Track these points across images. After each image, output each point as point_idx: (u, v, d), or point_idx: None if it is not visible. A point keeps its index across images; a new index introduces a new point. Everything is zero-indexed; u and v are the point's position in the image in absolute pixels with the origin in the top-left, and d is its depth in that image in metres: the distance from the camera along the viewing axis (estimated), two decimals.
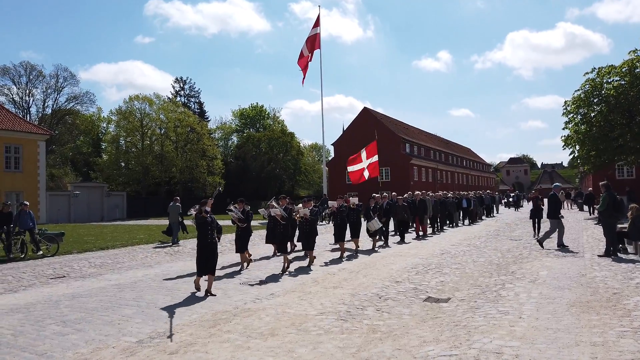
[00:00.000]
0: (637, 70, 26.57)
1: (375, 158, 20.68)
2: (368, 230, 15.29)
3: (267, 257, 13.83)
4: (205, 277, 8.96)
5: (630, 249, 11.96)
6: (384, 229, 16.17)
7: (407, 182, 44.02)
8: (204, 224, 8.92)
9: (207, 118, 60.24)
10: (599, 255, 11.51)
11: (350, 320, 6.86)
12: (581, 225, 21.64)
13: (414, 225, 19.63)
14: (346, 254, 13.70)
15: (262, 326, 6.68)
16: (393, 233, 18.60)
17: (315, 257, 12.42)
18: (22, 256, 14.21)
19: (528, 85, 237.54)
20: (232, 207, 11.54)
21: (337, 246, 14.37)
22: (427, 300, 8.03)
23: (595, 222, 22.24)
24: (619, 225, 13.43)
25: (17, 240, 14.39)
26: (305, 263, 12.31)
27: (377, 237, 15.61)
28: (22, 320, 7.23)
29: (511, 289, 8.23)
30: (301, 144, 65.85)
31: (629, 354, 4.57)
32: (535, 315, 6.28)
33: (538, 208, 17.65)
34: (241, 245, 11.90)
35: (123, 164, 47.73)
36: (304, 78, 23.32)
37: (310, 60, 23.34)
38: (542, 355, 4.71)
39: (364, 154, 20.63)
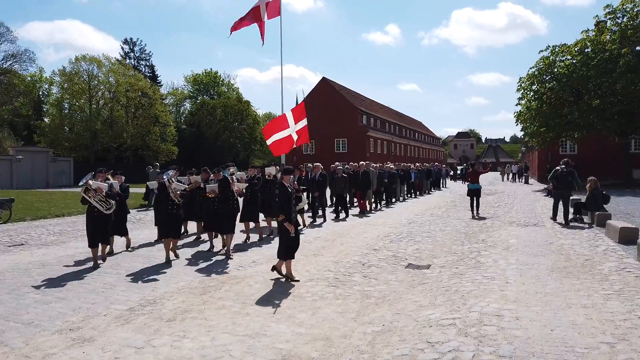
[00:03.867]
0: (587, 50, 27.78)
1: (304, 122, 17.05)
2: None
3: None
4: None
5: (586, 219, 12.72)
6: (317, 204, 14.49)
7: (363, 153, 44.45)
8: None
9: (159, 83, 57.81)
10: (560, 224, 12.25)
11: (340, 287, 6.93)
12: (532, 197, 22.73)
13: (356, 200, 17.59)
14: (255, 237, 11.23)
15: (255, 293, 6.63)
16: (333, 209, 16.36)
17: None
18: None
19: (472, 63, 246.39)
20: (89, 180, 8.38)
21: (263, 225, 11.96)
22: (409, 267, 8.22)
23: (545, 194, 23.43)
24: (574, 197, 14.32)
25: None
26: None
27: (304, 213, 13.25)
28: None
29: (488, 256, 8.56)
30: (257, 113, 64.77)
31: (619, 315, 4.89)
32: (521, 280, 6.58)
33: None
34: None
35: (68, 129, 45.13)
36: (232, 30, 19.18)
37: (259, 24, 19.91)
38: (540, 317, 4.96)
39: (290, 118, 17.08)
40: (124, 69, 45.43)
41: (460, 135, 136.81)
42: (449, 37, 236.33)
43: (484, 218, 14.46)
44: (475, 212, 15.40)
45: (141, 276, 7.61)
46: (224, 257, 9.08)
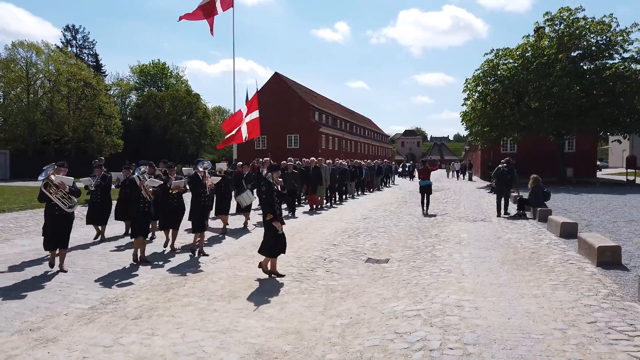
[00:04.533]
0: (528, 54, 29.31)
1: (256, 114, 16.41)
2: (239, 206, 12.43)
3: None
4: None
5: (528, 214, 13.50)
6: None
7: (315, 150, 44.72)
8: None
9: (104, 72, 55.33)
10: (512, 216, 13.36)
11: (305, 282, 7.05)
12: (477, 194, 23.75)
13: (306, 196, 17.20)
14: (207, 236, 10.42)
15: (219, 289, 6.62)
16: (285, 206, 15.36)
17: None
18: None
19: (417, 63, 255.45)
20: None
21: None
22: (369, 262, 8.48)
23: (488, 191, 24.52)
24: (515, 194, 15.23)
25: None
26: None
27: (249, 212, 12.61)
28: None
29: (442, 250, 8.95)
30: (207, 107, 63.41)
31: (567, 303, 5.31)
32: (476, 272, 6.96)
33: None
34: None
35: (3, 119, 42.35)
36: (183, 17, 18.59)
37: (210, 19, 19.30)
38: (497, 307, 5.29)
39: (244, 110, 16.69)
40: (65, 57, 43.11)
41: (407, 133, 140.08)
42: (396, 36, 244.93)
43: (433, 215, 14.70)
44: (425, 208, 15.51)
45: (98, 274, 7.40)
46: (179, 254, 8.96)
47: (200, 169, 8.84)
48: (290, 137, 48.58)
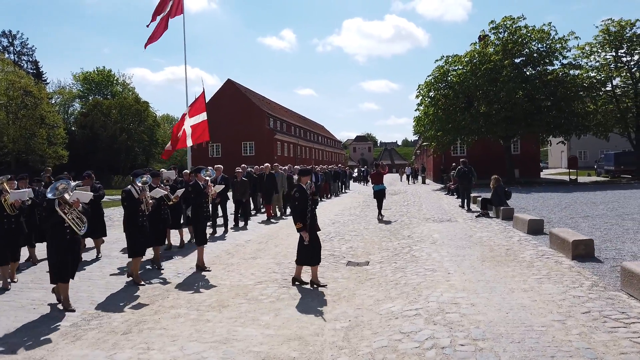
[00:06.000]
0: (475, 60, 30.51)
1: (203, 117, 14.22)
2: (189, 217, 11.08)
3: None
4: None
5: (491, 213, 13.98)
6: (217, 211, 12.80)
7: (271, 156, 44.40)
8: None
9: (45, 80, 52.55)
10: (476, 216, 13.77)
11: (292, 287, 6.95)
12: (435, 196, 24.34)
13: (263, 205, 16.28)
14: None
15: (206, 299, 6.41)
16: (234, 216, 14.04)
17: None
18: None
19: (363, 70, 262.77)
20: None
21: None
22: (350, 265, 8.48)
23: (445, 193, 25.23)
24: (477, 194, 15.76)
25: None
26: None
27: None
28: None
29: (420, 250, 9.08)
30: (156, 115, 61.56)
31: (557, 295, 5.51)
32: (460, 270, 7.10)
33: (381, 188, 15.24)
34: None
35: None
36: (148, 42, 16.45)
37: (160, 23, 17.80)
38: (491, 302, 5.42)
39: (187, 115, 14.44)
40: (2, 65, 40.69)
41: (358, 138, 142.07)
42: (341, 45, 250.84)
43: (389, 222, 13.85)
44: (378, 213, 14.91)
45: (71, 290, 6.93)
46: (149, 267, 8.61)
47: (207, 178, 8.30)
48: (246, 145, 48.07)
